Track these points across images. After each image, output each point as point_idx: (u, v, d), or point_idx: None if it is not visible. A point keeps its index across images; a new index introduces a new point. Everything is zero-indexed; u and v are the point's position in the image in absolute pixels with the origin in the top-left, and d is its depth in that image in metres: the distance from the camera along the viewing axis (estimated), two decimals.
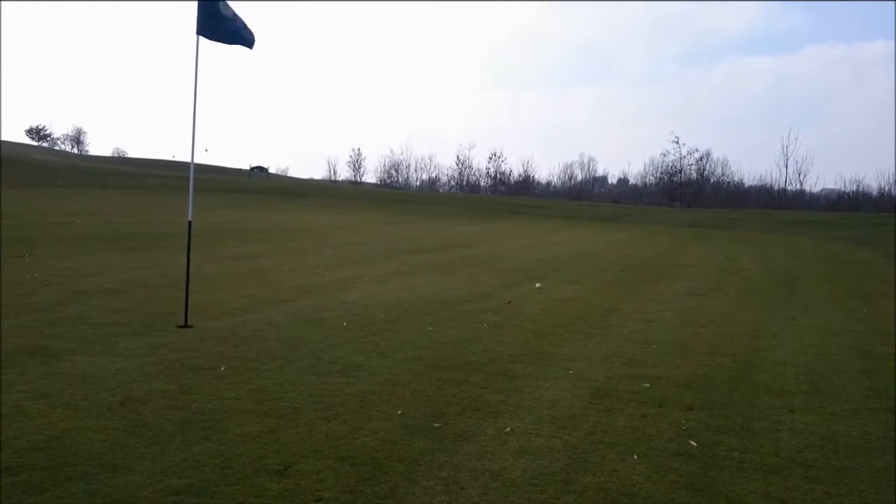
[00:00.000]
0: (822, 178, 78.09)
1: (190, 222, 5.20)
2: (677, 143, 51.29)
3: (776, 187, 50.64)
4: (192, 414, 3.10)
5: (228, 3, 5.03)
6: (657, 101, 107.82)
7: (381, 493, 2.41)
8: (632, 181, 64.57)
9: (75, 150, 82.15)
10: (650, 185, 56.26)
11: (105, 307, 4.58)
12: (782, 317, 6.39)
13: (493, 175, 62.18)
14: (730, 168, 60.70)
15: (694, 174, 52.21)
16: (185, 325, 4.81)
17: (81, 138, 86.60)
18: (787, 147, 63.30)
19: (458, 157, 69.68)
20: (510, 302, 6.51)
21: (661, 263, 11.28)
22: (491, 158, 62.46)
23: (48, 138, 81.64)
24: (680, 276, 9.50)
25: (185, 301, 4.93)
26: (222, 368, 3.83)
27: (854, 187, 46.75)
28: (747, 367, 4.46)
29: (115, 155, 78.57)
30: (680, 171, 51.66)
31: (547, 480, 2.58)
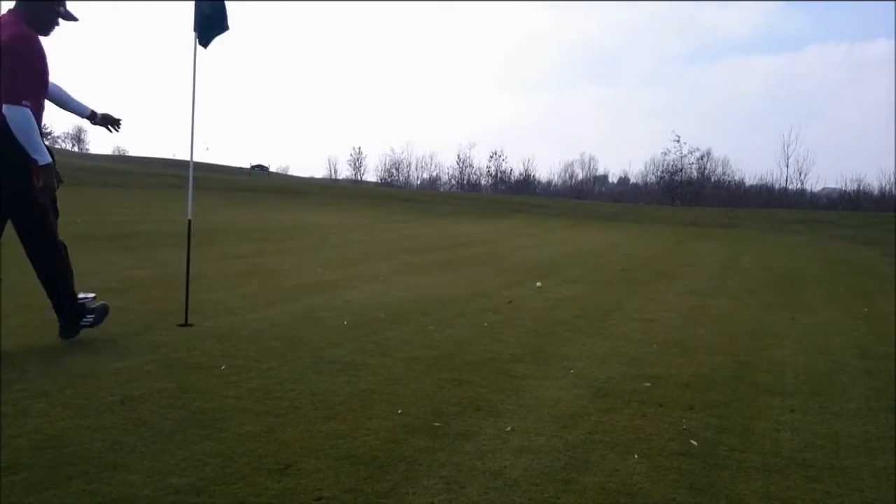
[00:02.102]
0: (823, 177, 78.14)
1: (190, 221, 5.20)
2: (678, 142, 51.31)
3: (777, 186, 50.71)
4: (193, 413, 3.10)
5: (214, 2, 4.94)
6: (658, 100, 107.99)
7: (382, 492, 2.41)
8: (633, 180, 64.60)
9: (76, 149, 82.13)
10: (651, 184, 56.29)
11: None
12: (783, 316, 6.38)
13: (493, 174, 62.20)
14: (731, 167, 60.71)
15: (695, 173, 52.24)
16: (186, 324, 4.80)
17: (82, 137, 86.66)
18: (787, 146, 63.32)
19: (458, 156, 69.79)
20: (511, 301, 6.50)
21: (662, 263, 11.28)
22: (491, 157, 62.50)
23: (48, 137, 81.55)
24: (680, 275, 9.49)
25: (185, 300, 4.93)
26: (222, 367, 3.83)
27: (855, 186, 46.76)
28: (748, 366, 4.45)
29: (116, 153, 78.57)
30: (681, 170, 51.67)
31: (547, 479, 2.58)
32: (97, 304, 4.34)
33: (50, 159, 3.83)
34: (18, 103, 3.65)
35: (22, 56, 3.71)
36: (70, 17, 4.07)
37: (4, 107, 3.66)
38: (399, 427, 3.04)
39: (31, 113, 3.71)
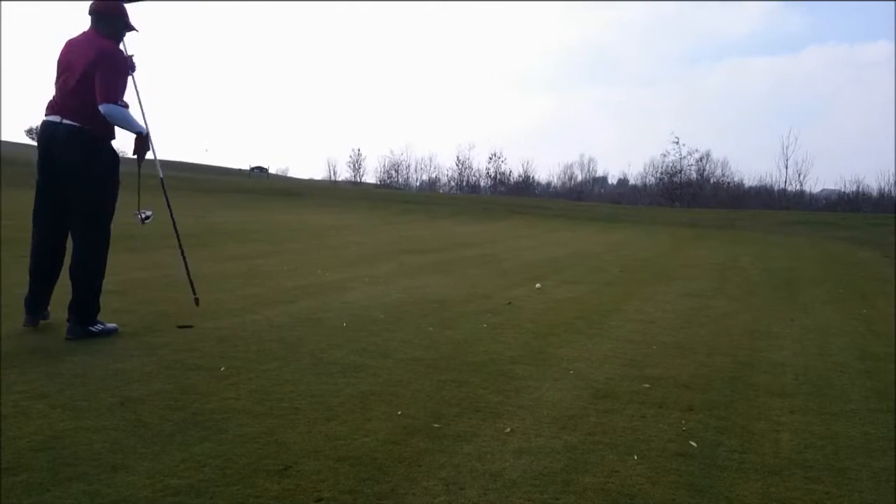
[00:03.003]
0: (822, 178, 78.19)
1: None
2: (677, 143, 51.37)
3: (776, 188, 50.81)
4: (192, 414, 3.10)
5: None
6: (657, 101, 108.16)
7: (382, 494, 2.41)
8: (632, 181, 64.71)
9: None
10: (650, 185, 56.37)
11: (104, 307, 4.56)
12: (782, 317, 6.38)
13: (493, 175, 62.23)
14: (730, 168, 60.88)
15: (694, 174, 52.35)
16: (185, 326, 4.80)
17: None
18: (787, 147, 63.55)
19: (457, 158, 69.81)
20: (510, 302, 6.50)
21: (662, 264, 11.29)
22: (491, 159, 62.63)
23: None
24: (680, 276, 9.50)
25: (190, 279, 4.93)
26: (222, 369, 3.82)
27: (854, 188, 46.87)
28: (747, 367, 4.45)
29: None
30: (680, 172, 51.75)
31: (547, 481, 2.58)
32: (110, 325, 4.53)
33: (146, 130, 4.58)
34: (115, 103, 4.32)
35: (115, 64, 4.37)
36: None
37: (105, 105, 4.26)
38: (399, 428, 3.04)
39: (125, 109, 4.43)
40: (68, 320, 4.36)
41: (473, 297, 6.72)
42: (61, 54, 4.46)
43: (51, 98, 4.45)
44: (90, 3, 4.50)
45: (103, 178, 4.47)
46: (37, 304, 4.52)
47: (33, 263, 4.51)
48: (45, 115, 4.41)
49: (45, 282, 4.54)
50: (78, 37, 4.49)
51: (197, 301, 5.21)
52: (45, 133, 4.38)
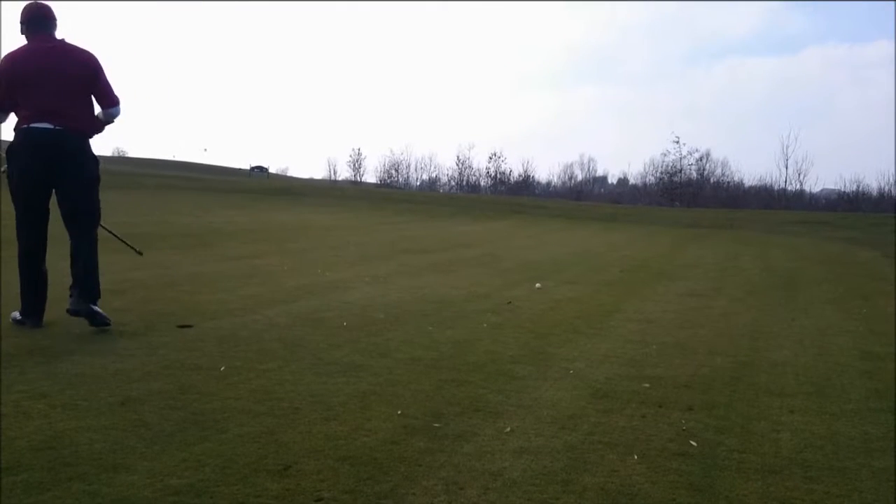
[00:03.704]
0: (822, 178, 77.87)
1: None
2: (677, 143, 51.33)
3: (776, 187, 50.81)
4: (192, 414, 3.10)
5: None
6: (658, 101, 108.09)
7: (382, 493, 2.41)
8: (632, 181, 64.71)
9: None
10: (650, 185, 56.37)
11: (104, 307, 4.56)
12: (782, 317, 6.38)
13: (493, 175, 62.19)
14: (730, 168, 60.89)
15: (694, 174, 52.33)
16: (185, 325, 4.80)
17: None
18: (786, 147, 63.37)
19: (457, 157, 69.87)
20: (510, 302, 6.50)
21: (661, 264, 11.29)
22: (491, 158, 62.54)
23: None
24: (680, 276, 9.50)
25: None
26: (222, 368, 3.82)
27: (854, 187, 46.88)
28: (747, 367, 4.45)
29: (116, 154, 78.49)
30: (680, 171, 51.71)
31: (547, 480, 2.58)
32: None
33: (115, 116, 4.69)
34: (118, 104, 4.63)
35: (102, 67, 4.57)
36: None
37: (116, 108, 4.59)
38: (399, 428, 3.04)
39: None
40: (71, 295, 4.36)
41: (473, 297, 6.72)
42: (22, 65, 4.36)
43: (32, 107, 4.34)
44: (31, 9, 4.43)
45: (96, 176, 4.60)
46: (38, 305, 4.51)
47: (29, 267, 4.50)
48: (29, 123, 4.33)
49: (42, 282, 4.54)
50: (34, 46, 4.43)
51: (140, 252, 5.87)
52: (44, 140, 4.33)
